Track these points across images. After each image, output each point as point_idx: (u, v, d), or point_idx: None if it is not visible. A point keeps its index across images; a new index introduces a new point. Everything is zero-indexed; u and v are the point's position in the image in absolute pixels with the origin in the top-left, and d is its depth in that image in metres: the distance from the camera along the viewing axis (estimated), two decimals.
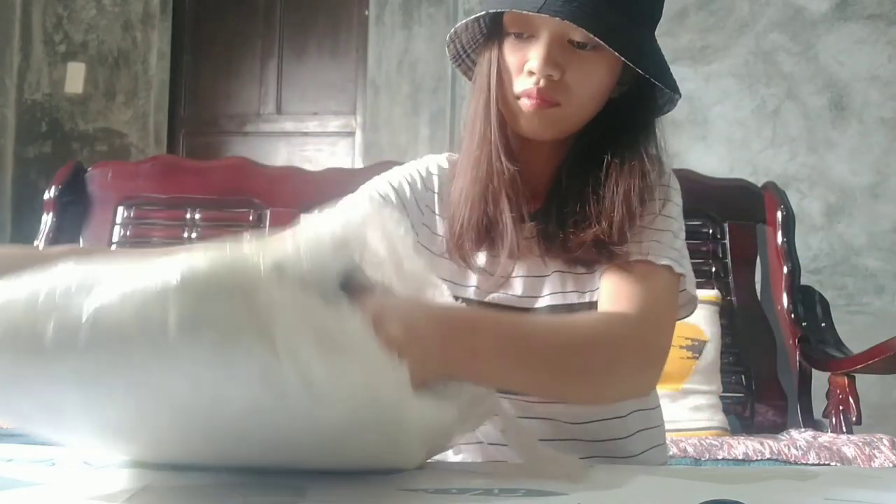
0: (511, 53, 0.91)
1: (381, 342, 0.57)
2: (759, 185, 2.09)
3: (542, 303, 0.94)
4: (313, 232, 0.57)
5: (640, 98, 0.94)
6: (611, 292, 0.88)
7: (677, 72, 0.89)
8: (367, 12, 3.54)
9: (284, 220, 1.88)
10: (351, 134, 3.68)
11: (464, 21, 0.94)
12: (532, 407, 0.91)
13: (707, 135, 3.09)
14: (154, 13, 3.66)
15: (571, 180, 0.94)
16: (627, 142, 0.93)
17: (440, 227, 0.98)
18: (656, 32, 0.98)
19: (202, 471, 0.60)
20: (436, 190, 1.00)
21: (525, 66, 0.89)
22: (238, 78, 3.77)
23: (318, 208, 0.67)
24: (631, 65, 0.87)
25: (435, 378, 0.65)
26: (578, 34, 0.86)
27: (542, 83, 0.87)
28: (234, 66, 3.77)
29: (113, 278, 0.46)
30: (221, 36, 3.78)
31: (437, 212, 0.99)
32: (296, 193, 1.91)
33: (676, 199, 0.95)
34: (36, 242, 1.87)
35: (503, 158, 0.92)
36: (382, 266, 0.64)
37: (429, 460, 0.70)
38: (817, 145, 3.03)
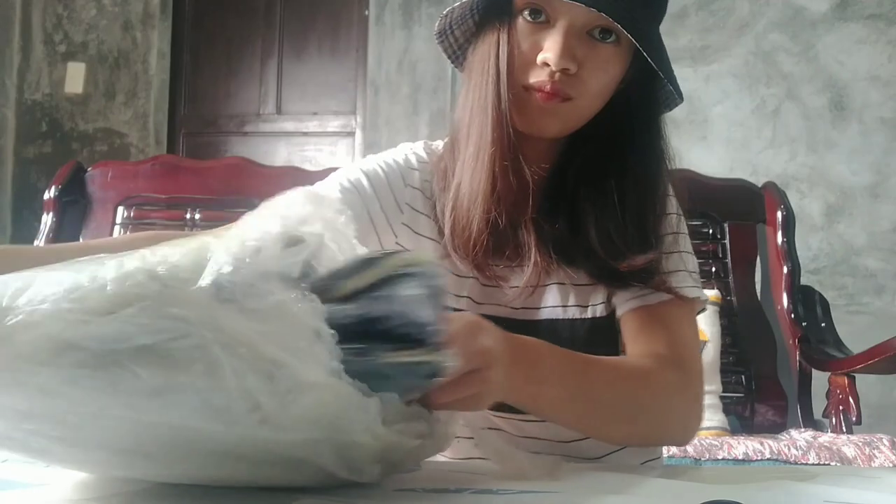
0: (523, 38, 0.82)
1: (469, 353, 0.57)
2: (759, 185, 2.08)
3: (542, 315, 0.88)
4: (255, 235, 0.52)
5: (640, 95, 0.87)
6: (649, 331, 0.84)
7: (677, 72, 0.87)
8: (367, 12, 3.54)
9: None
10: (351, 134, 3.68)
11: None
12: (524, 427, 0.87)
13: (707, 135, 3.08)
14: (154, 13, 3.66)
15: (579, 182, 0.87)
16: (638, 141, 0.87)
17: (426, 228, 0.91)
18: None
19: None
20: (417, 186, 0.92)
21: (539, 57, 0.80)
22: (238, 78, 3.77)
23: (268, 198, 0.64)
24: (651, 63, 0.80)
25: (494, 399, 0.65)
26: (604, 24, 0.79)
27: (556, 76, 0.80)
28: (234, 66, 3.77)
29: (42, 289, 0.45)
30: (221, 36, 3.78)
31: (421, 210, 0.91)
32: None
33: (679, 209, 0.92)
34: (36, 242, 1.87)
35: (519, 159, 0.84)
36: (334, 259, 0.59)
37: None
38: (817, 145, 3.03)
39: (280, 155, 3.67)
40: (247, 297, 0.47)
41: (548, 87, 0.80)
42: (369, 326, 0.52)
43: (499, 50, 0.83)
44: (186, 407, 0.45)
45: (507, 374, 0.64)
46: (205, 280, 0.46)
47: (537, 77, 0.81)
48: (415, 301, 0.53)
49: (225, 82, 3.78)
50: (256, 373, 0.46)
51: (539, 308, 0.88)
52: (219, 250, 0.49)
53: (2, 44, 3.53)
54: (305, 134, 3.72)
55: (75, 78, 3.61)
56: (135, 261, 0.47)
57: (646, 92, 0.87)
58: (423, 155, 0.95)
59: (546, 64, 0.80)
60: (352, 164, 0.94)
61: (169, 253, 0.48)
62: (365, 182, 0.90)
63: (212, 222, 1.93)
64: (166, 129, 3.74)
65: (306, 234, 0.55)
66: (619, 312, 0.88)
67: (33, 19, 3.62)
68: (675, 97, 0.88)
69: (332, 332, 0.50)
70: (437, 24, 0.89)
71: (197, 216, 1.93)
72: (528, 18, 0.82)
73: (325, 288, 0.54)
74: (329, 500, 0.53)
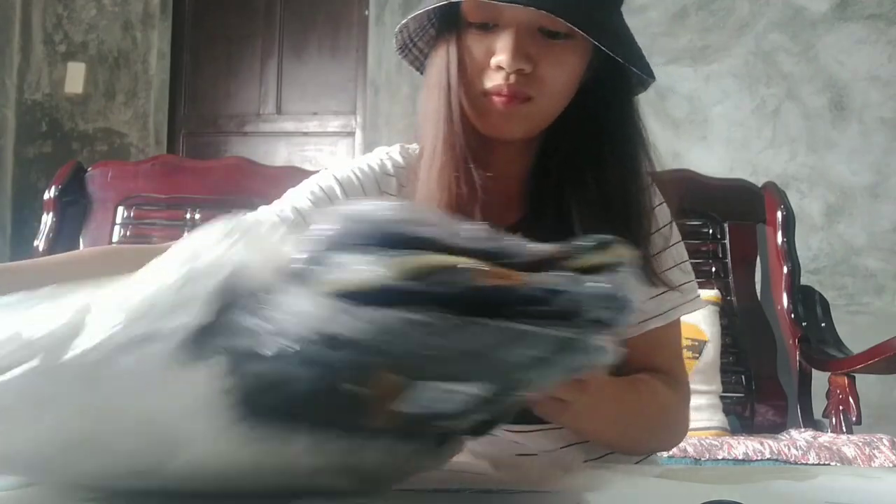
0: (474, 46, 0.81)
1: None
2: (759, 185, 2.08)
3: None
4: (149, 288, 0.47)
5: (610, 81, 0.85)
6: (650, 348, 0.87)
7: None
8: (367, 12, 3.54)
9: None
10: (351, 134, 3.68)
11: (417, 12, 0.83)
12: (521, 436, 0.87)
13: (707, 135, 3.08)
14: (154, 13, 3.65)
15: (561, 181, 0.85)
16: (608, 130, 0.85)
17: None
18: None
19: None
20: (393, 192, 0.91)
21: (492, 61, 0.80)
22: (238, 78, 3.77)
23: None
24: (609, 53, 0.78)
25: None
26: (551, 23, 0.78)
27: (511, 79, 0.79)
28: (234, 66, 3.77)
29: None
30: (221, 36, 3.78)
31: None
32: None
33: (672, 221, 0.91)
34: (36, 242, 1.87)
35: (472, 165, 0.82)
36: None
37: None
38: (817, 145, 3.03)
39: (280, 155, 3.67)
40: (115, 377, 0.43)
41: (504, 90, 0.79)
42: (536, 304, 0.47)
43: (448, 61, 0.83)
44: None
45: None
46: (74, 352, 0.43)
47: (493, 82, 0.80)
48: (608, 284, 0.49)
49: (225, 82, 3.78)
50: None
51: None
52: (98, 316, 0.45)
53: (2, 44, 3.53)
54: (305, 134, 3.72)
55: (75, 78, 3.61)
56: (12, 324, 0.45)
57: (613, 78, 0.85)
58: (400, 159, 0.93)
59: (500, 67, 0.79)
60: (325, 171, 0.92)
61: (51, 312, 0.45)
62: (338, 190, 0.89)
63: (212, 222, 1.93)
64: (166, 129, 3.74)
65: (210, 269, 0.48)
66: None
67: (33, 19, 3.62)
68: (642, 81, 0.86)
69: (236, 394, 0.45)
70: (395, 41, 0.89)
71: (197, 216, 1.93)
72: (477, 28, 0.81)
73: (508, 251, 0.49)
74: (328, 502, 0.53)
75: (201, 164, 2.08)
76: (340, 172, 0.91)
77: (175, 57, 3.77)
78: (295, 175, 2.10)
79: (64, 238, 1.89)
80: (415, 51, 0.90)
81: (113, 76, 3.63)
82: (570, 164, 0.85)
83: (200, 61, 3.80)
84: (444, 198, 0.83)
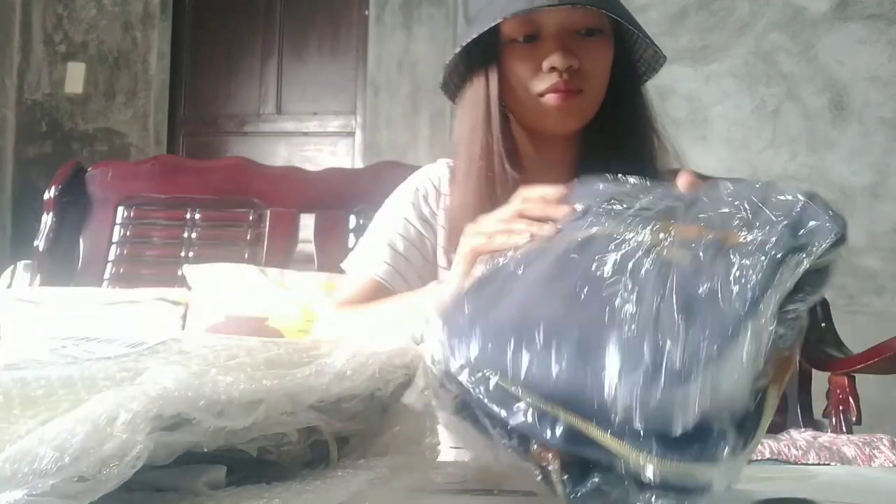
0: (521, 59, 0.94)
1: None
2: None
3: None
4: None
5: (624, 72, 1.00)
6: None
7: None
8: (367, 12, 3.54)
9: (284, 220, 1.88)
10: (351, 134, 3.68)
11: (464, 42, 0.95)
12: None
13: (707, 135, 3.08)
14: (154, 13, 3.66)
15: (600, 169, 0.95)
16: (631, 116, 1.00)
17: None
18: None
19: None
20: (433, 203, 1.06)
21: (544, 64, 0.93)
22: (238, 78, 3.77)
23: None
24: (648, 41, 0.94)
25: None
26: (587, 21, 0.93)
27: (565, 76, 0.92)
28: (234, 66, 3.77)
29: None
30: (221, 36, 3.78)
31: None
32: (296, 193, 1.91)
33: None
34: (36, 242, 1.87)
35: (507, 166, 0.95)
36: None
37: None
38: (817, 145, 3.03)
39: (280, 155, 3.67)
40: None
41: (561, 86, 0.92)
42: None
43: (487, 78, 0.96)
44: None
45: None
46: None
47: (549, 82, 0.93)
48: None
49: (225, 82, 3.78)
50: None
51: None
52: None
53: (2, 44, 3.53)
54: (305, 134, 3.72)
55: (75, 78, 3.61)
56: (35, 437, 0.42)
57: (625, 68, 0.99)
58: (447, 173, 1.06)
59: (553, 68, 0.92)
60: (384, 223, 1.04)
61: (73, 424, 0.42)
62: (401, 246, 1.01)
63: (212, 222, 1.93)
64: (166, 129, 3.74)
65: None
66: None
67: (33, 19, 3.62)
68: (652, 66, 1.01)
69: None
70: (441, 76, 1.02)
71: (197, 216, 1.93)
72: (522, 40, 0.94)
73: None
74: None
75: (201, 164, 2.08)
76: (398, 224, 1.03)
77: (175, 57, 3.77)
78: (295, 175, 2.10)
79: (64, 238, 1.89)
80: (451, 85, 1.04)
81: (113, 76, 3.63)
82: (597, 158, 0.97)
83: (200, 61, 3.80)
84: (480, 197, 0.95)
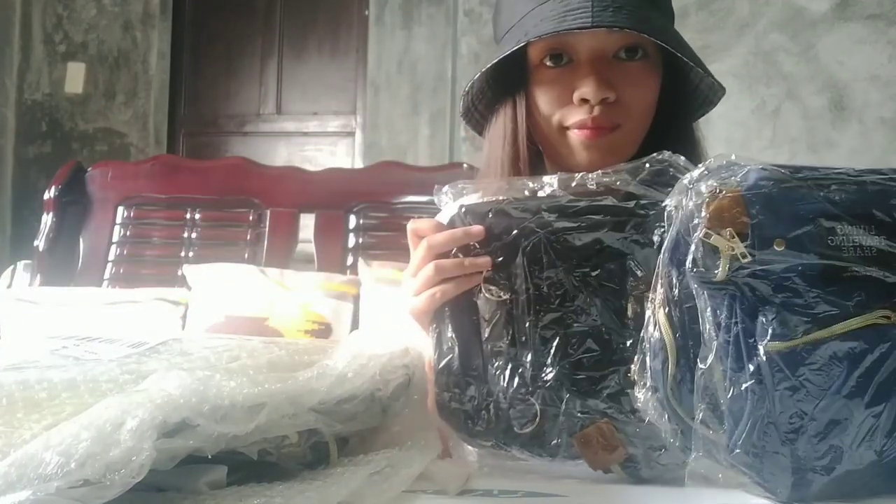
0: (550, 84, 0.80)
1: None
2: None
3: None
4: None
5: (674, 103, 0.85)
6: None
7: None
8: (367, 12, 3.54)
9: (284, 220, 1.88)
10: (351, 134, 3.68)
11: (488, 65, 0.81)
12: None
13: (707, 135, 3.05)
14: (154, 13, 3.66)
15: None
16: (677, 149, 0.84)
17: None
18: None
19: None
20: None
21: (575, 95, 0.78)
22: (238, 78, 3.77)
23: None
24: (696, 67, 0.79)
25: None
26: (626, 40, 0.78)
27: (596, 111, 0.78)
28: (234, 66, 3.77)
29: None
30: (221, 36, 3.78)
31: None
32: (296, 193, 1.91)
33: None
34: (36, 242, 1.87)
35: None
36: None
37: None
38: (817, 145, 3.03)
39: (280, 155, 3.68)
40: None
41: (589, 123, 0.78)
42: None
43: (515, 107, 0.83)
44: None
45: None
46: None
47: (576, 117, 0.79)
48: None
49: (225, 82, 3.78)
50: None
51: None
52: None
53: (2, 44, 3.53)
54: (305, 134, 3.72)
55: (75, 78, 3.61)
56: (40, 441, 0.42)
57: (675, 98, 0.85)
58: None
59: (584, 100, 0.78)
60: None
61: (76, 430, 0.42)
62: None
63: (212, 222, 1.93)
64: (166, 129, 3.74)
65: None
66: None
67: (33, 19, 3.62)
68: (710, 99, 0.86)
69: None
70: (461, 105, 0.88)
71: (197, 216, 1.93)
72: (550, 64, 0.80)
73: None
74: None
75: (201, 164, 2.08)
76: None
77: (175, 57, 3.77)
78: (295, 175, 2.10)
79: (64, 238, 1.89)
80: (476, 115, 0.90)
81: (113, 76, 3.63)
82: None
83: (200, 61, 3.80)
84: None
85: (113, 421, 0.42)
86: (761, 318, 0.51)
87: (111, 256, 1.89)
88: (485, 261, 0.64)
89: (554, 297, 0.63)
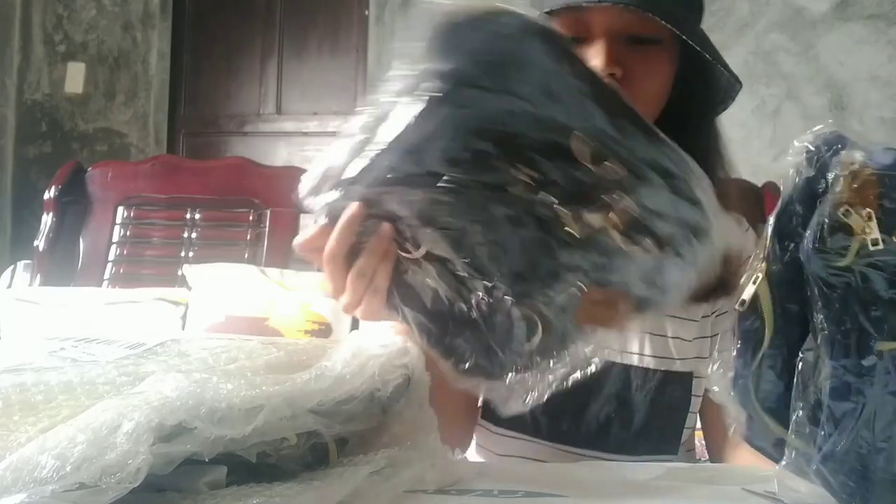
0: None
1: None
2: (760, 184, 2.08)
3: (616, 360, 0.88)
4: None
5: (690, 98, 0.85)
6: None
7: None
8: (367, 12, 3.54)
9: (284, 220, 1.88)
10: None
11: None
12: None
13: None
14: (154, 13, 3.66)
15: None
16: (696, 155, 0.79)
17: None
18: None
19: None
20: None
21: None
22: (238, 78, 3.77)
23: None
24: (706, 55, 0.80)
25: None
26: (641, 27, 0.79)
27: None
28: (234, 66, 3.77)
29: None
30: (221, 36, 3.78)
31: None
32: (296, 193, 1.91)
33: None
34: (36, 242, 1.87)
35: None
36: None
37: None
38: None
39: (280, 155, 3.67)
40: None
41: None
42: None
43: None
44: None
45: None
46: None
47: None
48: None
49: (225, 82, 3.78)
50: None
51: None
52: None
53: (2, 44, 3.53)
54: (305, 134, 3.72)
55: (75, 78, 3.61)
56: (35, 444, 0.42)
57: (694, 93, 0.85)
58: None
59: None
60: None
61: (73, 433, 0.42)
62: None
63: (212, 222, 1.93)
64: (166, 129, 3.74)
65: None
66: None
67: (33, 19, 3.62)
68: (729, 94, 0.87)
69: None
70: None
71: (197, 216, 1.93)
72: None
73: None
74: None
75: (201, 164, 2.08)
76: None
77: (175, 57, 3.77)
78: (295, 175, 2.10)
79: (64, 238, 1.89)
80: None
81: (113, 76, 3.63)
82: None
83: (200, 61, 3.80)
84: None
85: (109, 424, 0.42)
86: (875, 313, 0.46)
87: (111, 256, 1.89)
88: (386, 231, 0.61)
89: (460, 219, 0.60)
